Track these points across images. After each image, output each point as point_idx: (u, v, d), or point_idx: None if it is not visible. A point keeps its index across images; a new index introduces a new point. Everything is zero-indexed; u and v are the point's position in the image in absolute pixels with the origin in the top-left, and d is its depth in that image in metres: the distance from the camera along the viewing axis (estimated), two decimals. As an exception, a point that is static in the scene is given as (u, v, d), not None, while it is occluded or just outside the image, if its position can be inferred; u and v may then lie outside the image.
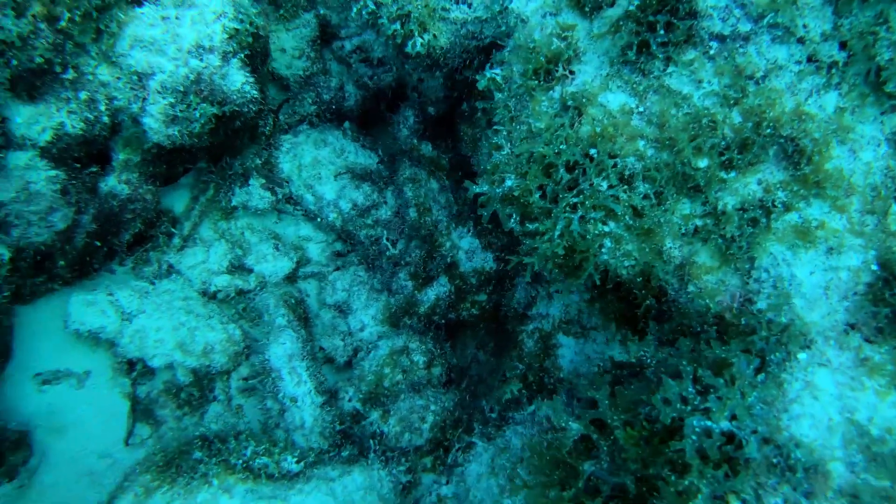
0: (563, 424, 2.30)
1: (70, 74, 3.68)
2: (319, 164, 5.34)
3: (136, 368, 4.88)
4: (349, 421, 4.28)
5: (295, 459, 3.49)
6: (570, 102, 2.53)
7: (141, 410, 4.88)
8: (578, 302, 3.92)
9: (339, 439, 4.11)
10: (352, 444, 4.03)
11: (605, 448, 2.24)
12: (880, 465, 1.89)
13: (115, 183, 4.39)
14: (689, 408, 1.92)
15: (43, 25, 3.40)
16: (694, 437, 1.86)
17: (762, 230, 2.39)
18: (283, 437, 3.96)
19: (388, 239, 5.28)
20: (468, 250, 4.71)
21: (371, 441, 3.96)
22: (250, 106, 4.21)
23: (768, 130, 2.27)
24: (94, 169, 4.24)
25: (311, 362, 4.41)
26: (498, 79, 2.81)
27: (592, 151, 2.47)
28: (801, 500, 1.82)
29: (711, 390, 1.95)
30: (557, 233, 2.48)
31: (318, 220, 5.40)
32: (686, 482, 1.86)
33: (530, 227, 2.61)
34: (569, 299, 3.96)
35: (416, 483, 3.75)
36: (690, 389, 1.95)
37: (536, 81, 2.64)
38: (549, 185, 2.54)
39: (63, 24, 3.45)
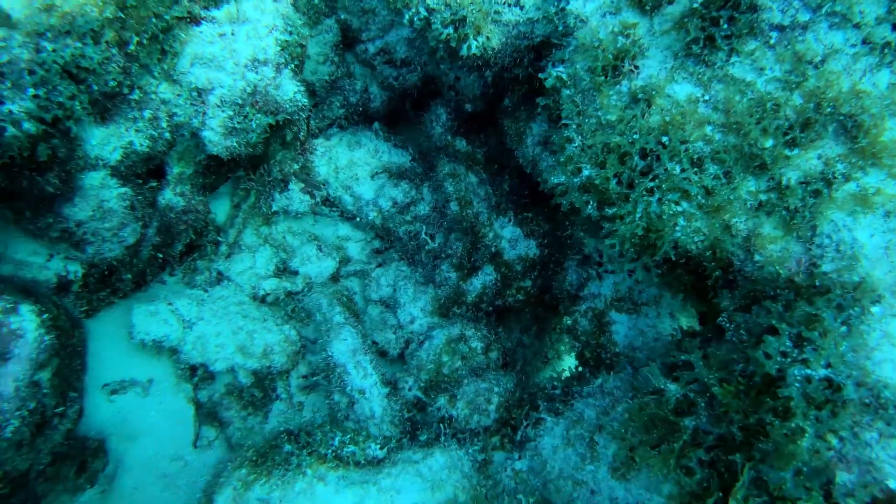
0: (662, 386, 2.54)
1: (136, 95, 3.84)
2: (355, 165, 5.53)
3: (197, 374, 5.06)
4: (413, 409, 4.50)
5: (378, 446, 3.70)
6: (640, 95, 2.76)
7: (205, 413, 5.06)
8: (629, 280, 4.17)
9: (408, 426, 4.33)
10: (422, 430, 4.26)
11: (702, 404, 2.49)
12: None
13: (171, 196, 4.55)
14: (788, 360, 2.17)
15: (115, 50, 3.56)
16: (797, 385, 2.11)
17: (824, 200, 2.64)
18: (356, 428, 4.16)
19: (426, 233, 5.49)
20: (511, 239, 4.93)
21: (441, 425, 4.18)
22: (300, 114, 4.40)
23: (828, 109, 2.52)
24: (153, 183, 4.40)
25: (373, 356, 4.62)
26: (564, 76, 3.03)
27: (664, 139, 2.70)
28: (894, 433, 2.07)
29: (806, 343, 2.20)
30: (638, 215, 2.71)
31: (357, 219, 5.60)
32: (792, 424, 2.11)
33: (609, 211, 2.84)
34: (619, 278, 4.21)
35: (489, 461, 3.98)
36: (788, 344, 2.20)
37: (604, 77, 2.87)
38: (625, 171, 2.78)
39: (132, 47, 3.61)
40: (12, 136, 3.03)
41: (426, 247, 5.49)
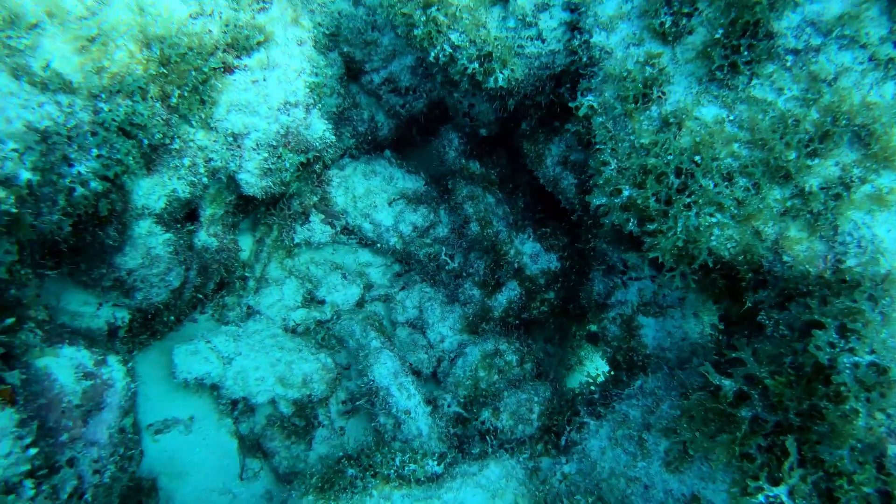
0: (718, 382, 2.79)
1: (177, 144, 4.00)
2: (372, 193, 5.74)
3: (237, 407, 5.18)
4: (455, 424, 4.68)
5: (436, 462, 3.88)
6: (671, 119, 3.03)
7: (248, 446, 5.18)
8: (652, 285, 4.43)
9: (455, 441, 4.52)
10: (469, 443, 4.45)
11: (755, 396, 2.74)
12: None
13: (205, 237, 4.70)
14: (837, 349, 2.44)
15: (159, 104, 3.74)
16: (848, 371, 2.37)
17: (843, 202, 2.93)
18: (413, 447, 4.34)
19: (446, 254, 5.71)
20: (532, 254, 5.18)
21: (487, 437, 4.38)
22: (329, 150, 4.60)
23: (843, 121, 2.81)
24: (190, 227, 4.55)
25: (413, 376, 4.80)
26: (595, 105, 3.29)
27: (696, 158, 2.97)
28: (936, 406, 2.34)
29: (850, 333, 2.46)
30: (679, 229, 2.97)
31: (377, 245, 5.79)
32: (847, 407, 2.37)
33: (650, 227, 3.09)
34: (642, 284, 4.47)
35: (538, 467, 4.18)
36: (835, 335, 2.47)
37: (634, 105, 3.13)
38: (663, 190, 3.04)
39: (174, 100, 3.79)
40: (81, 196, 3.19)
41: (447, 267, 5.70)
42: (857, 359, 2.40)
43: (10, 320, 2.57)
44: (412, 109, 6.23)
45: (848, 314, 2.52)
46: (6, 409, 2.37)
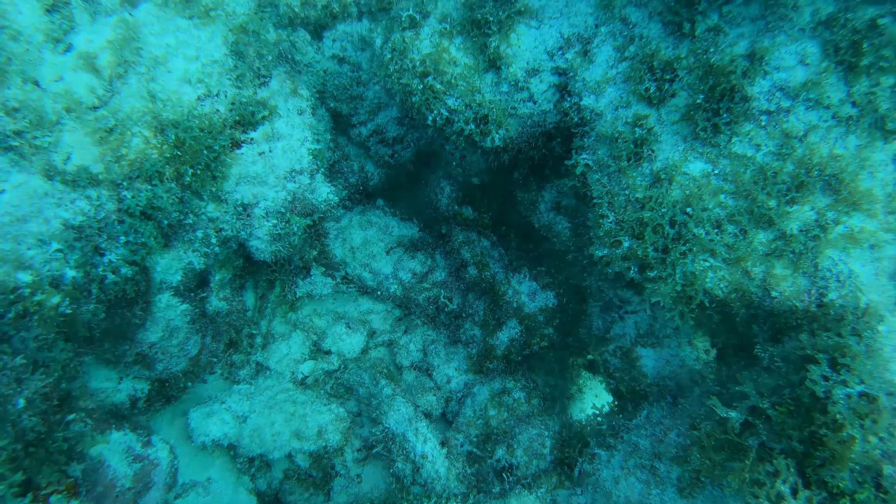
0: (725, 415, 3.06)
1: (191, 219, 4.16)
2: (370, 243, 5.94)
3: (254, 464, 5.28)
4: (471, 464, 4.87)
5: (460, 504, 4.06)
6: (662, 175, 3.33)
7: (267, 502, 5.27)
8: (647, 317, 4.72)
9: (473, 481, 4.70)
10: (485, 481, 4.63)
11: (760, 425, 3.01)
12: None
13: (216, 301, 4.84)
14: (831, 382, 2.73)
15: (173, 184, 3.90)
16: (843, 401, 2.66)
17: (821, 241, 3.25)
18: (427, 492, 4.50)
19: (445, 297, 5.92)
20: (529, 293, 5.43)
21: (504, 474, 4.57)
22: (333, 210, 4.80)
23: (816, 171, 3.14)
24: (202, 294, 4.69)
25: (426, 420, 4.98)
26: (590, 163, 3.58)
27: (688, 209, 3.27)
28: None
29: (840, 367, 2.76)
30: (678, 275, 3.26)
31: (378, 293, 5.98)
32: (844, 434, 2.65)
33: (651, 273, 3.37)
34: (638, 317, 4.75)
35: (555, 500, 4.39)
36: (828, 369, 2.76)
37: (627, 162, 3.43)
38: (660, 240, 3.32)
39: (188, 179, 3.96)
40: (112, 283, 3.33)
41: (446, 309, 5.91)
42: (849, 390, 2.69)
43: (71, 416, 2.69)
44: (401, 158, 6.47)
45: (837, 349, 2.81)
46: (71, 502, 2.49)
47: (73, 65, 3.70)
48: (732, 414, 3.07)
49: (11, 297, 2.49)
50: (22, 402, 2.27)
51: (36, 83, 3.57)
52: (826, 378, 2.77)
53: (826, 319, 3.13)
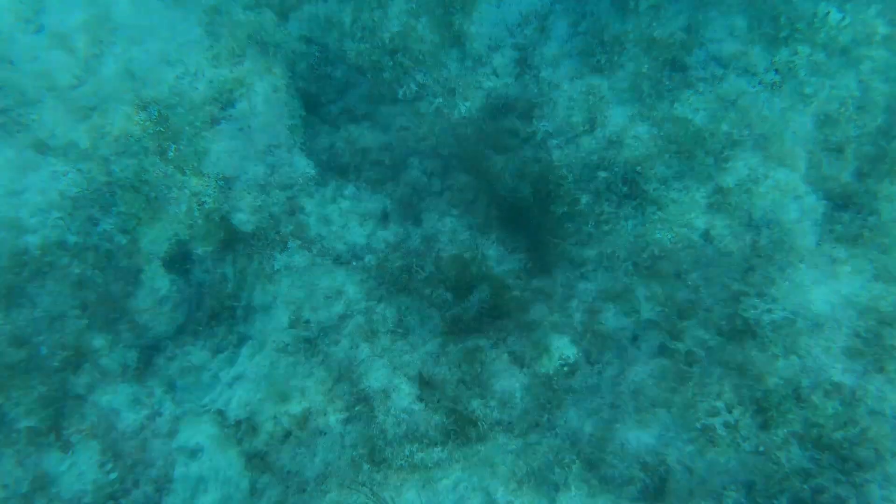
0: (673, 347, 3.48)
1: (174, 193, 4.36)
2: (344, 215, 6.19)
3: (241, 428, 5.53)
4: (448, 415, 5.24)
5: (440, 449, 4.41)
6: (614, 138, 3.71)
7: (255, 463, 5.54)
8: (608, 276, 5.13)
9: (452, 428, 5.07)
10: (463, 429, 5.02)
11: (702, 355, 3.44)
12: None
13: (199, 273, 5.05)
14: (759, 310, 3.17)
15: (157, 159, 4.10)
16: (769, 326, 3.10)
17: (753, 194, 3.69)
18: (404, 441, 4.85)
19: (417, 265, 6.24)
20: (497, 257, 5.79)
21: (479, 423, 4.96)
22: (310, 184, 5.05)
23: (746, 131, 3.57)
24: (186, 266, 4.90)
25: (404, 377, 5.32)
26: (550, 130, 3.93)
27: (638, 168, 3.66)
28: (830, 346, 3.11)
29: (767, 297, 3.20)
30: (630, 227, 3.65)
31: (353, 263, 6.25)
32: (768, 352, 3.10)
33: (605, 228, 3.76)
34: (599, 274, 5.17)
35: (527, 442, 4.82)
36: (756, 300, 3.20)
37: (583, 128, 3.79)
38: (613, 196, 3.71)
39: (171, 154, 4.17)
40: (106, 251, 3.54)
41: (418, 277, 6.23)
42: (773, 316, 3.14)
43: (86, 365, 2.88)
44: (370, 135, 6.70)
45: (764, 283, 3.25)
46: (91, 441, 2.74)
47: (47, 44, 3.85)
48: (679, 345, 3.50)
49: (25, 258, 2.70)
50: (44, 350, 2.50)
51: (10, 62, 3.72)
52: (755, 307, 3.21)
53: (758, 260, 3.57)
